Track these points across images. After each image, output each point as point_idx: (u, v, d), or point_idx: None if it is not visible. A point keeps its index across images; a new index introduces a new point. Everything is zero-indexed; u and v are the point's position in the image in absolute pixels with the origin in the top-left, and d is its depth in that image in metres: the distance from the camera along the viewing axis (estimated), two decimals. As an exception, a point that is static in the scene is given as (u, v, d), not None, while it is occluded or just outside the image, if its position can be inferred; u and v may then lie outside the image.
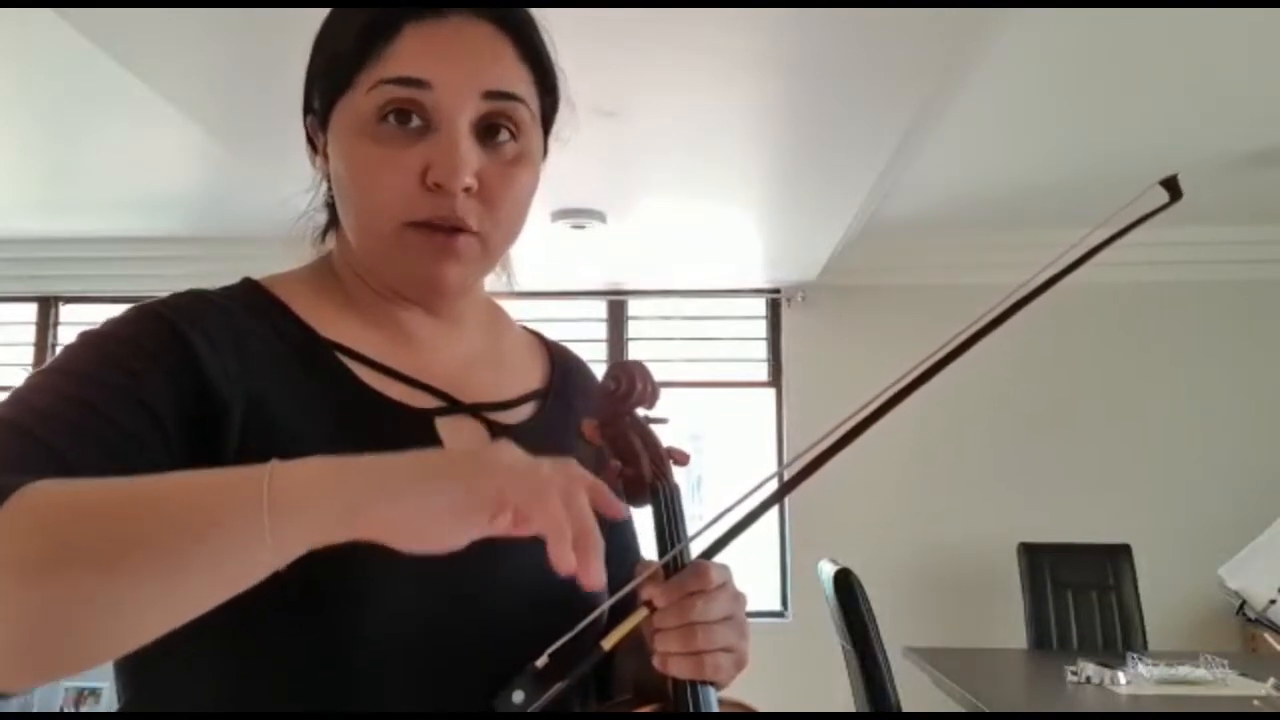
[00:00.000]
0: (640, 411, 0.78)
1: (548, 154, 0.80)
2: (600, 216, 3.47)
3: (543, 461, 0.53)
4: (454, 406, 0.76)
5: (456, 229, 0.70)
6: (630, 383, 0.78)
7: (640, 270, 4.40)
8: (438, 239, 0.70)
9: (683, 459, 0.76)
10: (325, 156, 0.76)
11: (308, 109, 0.78)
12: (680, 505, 0.74)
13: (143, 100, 2.59)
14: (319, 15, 0.77)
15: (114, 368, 0.63)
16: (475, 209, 0.71)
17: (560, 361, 0.90)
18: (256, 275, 0.80)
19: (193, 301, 0.70)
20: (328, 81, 0.73)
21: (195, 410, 0.64)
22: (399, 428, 0.72)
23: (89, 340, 0.66)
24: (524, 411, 0.81)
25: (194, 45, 2.27)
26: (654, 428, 0.78)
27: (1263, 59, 2.74)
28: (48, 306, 4.75)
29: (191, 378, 0.65)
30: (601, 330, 4.67)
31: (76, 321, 4.77)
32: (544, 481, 0.51)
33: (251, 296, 0.74)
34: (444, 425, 0.74)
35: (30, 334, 4.73)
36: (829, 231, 3.79)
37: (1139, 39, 2.63)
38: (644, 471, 0.75)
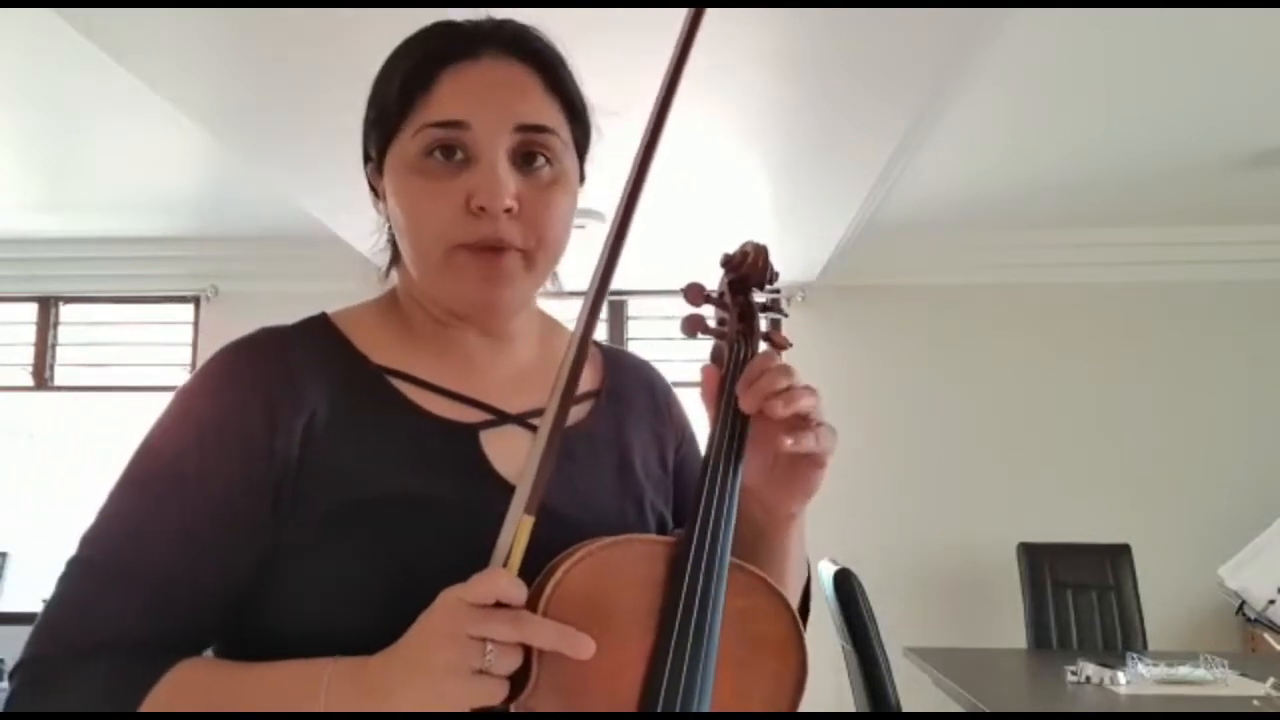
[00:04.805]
0: (750, 286, 0.85)
1: (585, 178, 0.86)
2: (600, 216, 3.47)
3: (431, 639, 0.63)
4: (499, 418, 0.81)
5: (502, 248, 0.76)
6: (743, 256, 0.84)
7: (640, 270, 4.40)
8: (485, 260, 0.76)
9: (781, 342, 0.83)
10: (384, 200, 0.83)
11: (366, 159, 0.85)
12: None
13: (143, 100, 2.59)
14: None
15: (213, 525, 0.73)
16: (518, 230, 0.76)
17: (614, 363, 0.95)
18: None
19: (254, 363, 0.77)
20: (379, 132, 0.80)
21: (266, 490, 0.73)
22: (444, 442, 0.78)
23: (176, 474, 0.73)
24: (576, 414, 0.86)
25: (194, 45, 2.27)
26: (760, 306, 0.85)
27: (1263, 59, 2.74)
28: (48, 306, 4.75)
29: (260, 472, 0.73)
30: (602, 330, 4.67)
31: (76, 321, 4.77)
32: (441, 675, 0.62)
33: (318, 333, 0.82)
34: (489, 437, 0.80)
35: (30, 334, 4.73)
36: (829, 232, 3.79)
37: (1138, 39, 2.63)
38: (730, 331, 0.82)
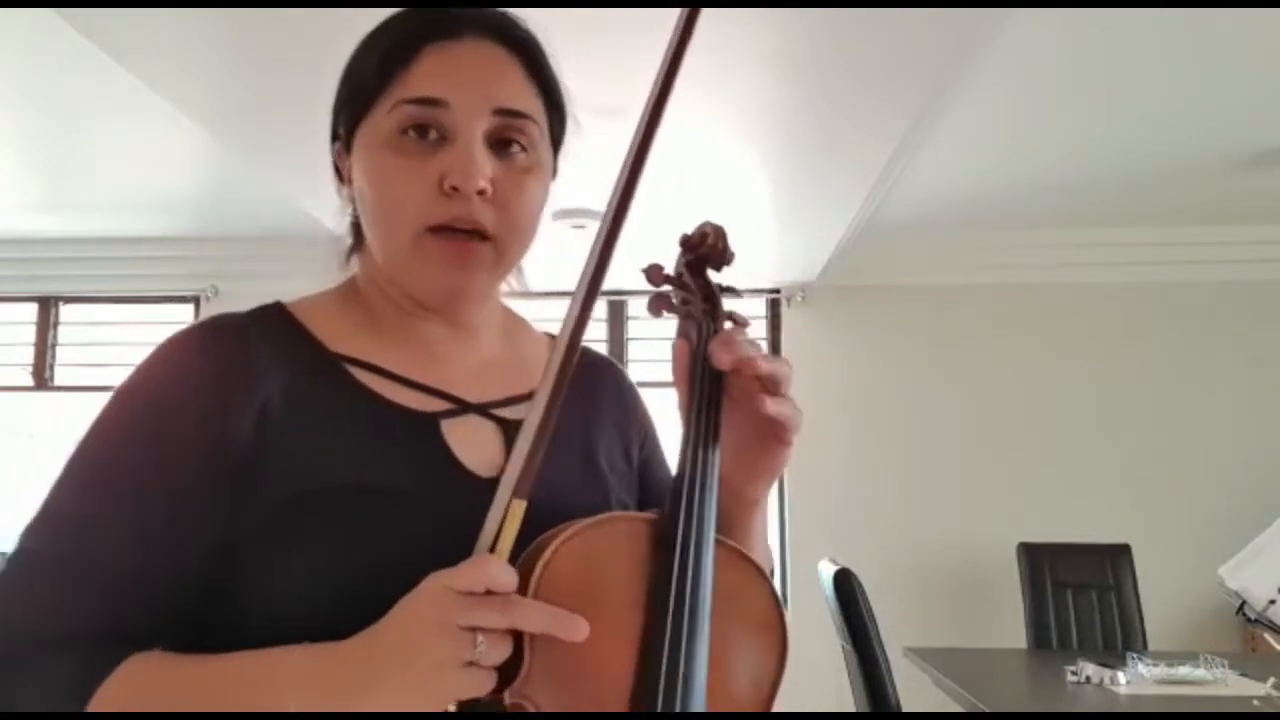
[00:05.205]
0: (708, 266, 0.85)
1: (558, 172, 0.84)
2: (600, 216, 3.48)
3: (415, 625, 0.61)
4: (461, 408, 0.80)
5: (473, 232, 0.75)
6: (701, 236, 0.85)
7: (640, 270, 4.40)
8: (455, 245, 0.75)
9: (741, 320, 0.82)
10: (349, 182, 0.81)
11: (334, 137, 0.83)
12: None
13: (143, 100, 2.59)
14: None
15: (158, 510, 0.70)
16: (490, 213, 0.75)
17: (579, 359, 0.92)
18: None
19: (206, 350, 0.75)
20: (352, 107, 0.78)
21: (221, 479, 0.71)
22: (403, 431, 0.76)
23: (125, 466, 0.71)
24: None
25: (194, 45, 2.27)
26: (718, 287, 0.84)
27: (1263, 59, 2.74)
28: (48, 306, 4.75)
29: (214, 460, 0.71)
30: (602, 330, 4.67)
31: (76, 321, 4.77)
32: (430, 668, 0.60)
33: (273, 320, 0.79)
34: (450, 426, 0.78)
35: (30, 334, 4.74)
36: (829, 232, 3.79)
37: (1138, 40, 2.63)
38: (694, 311, 0.82)
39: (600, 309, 4.68)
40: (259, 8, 2.02)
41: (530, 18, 0.82)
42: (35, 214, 4.18)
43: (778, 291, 4.61)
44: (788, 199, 3.49)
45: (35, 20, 2.41)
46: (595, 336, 4.63)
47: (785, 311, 4.60)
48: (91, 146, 3.41)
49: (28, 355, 4.72)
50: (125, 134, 3.25)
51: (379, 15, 0.80)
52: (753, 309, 4.69)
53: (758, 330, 4.67)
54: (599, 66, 2.28)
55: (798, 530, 4.41)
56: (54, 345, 4.74)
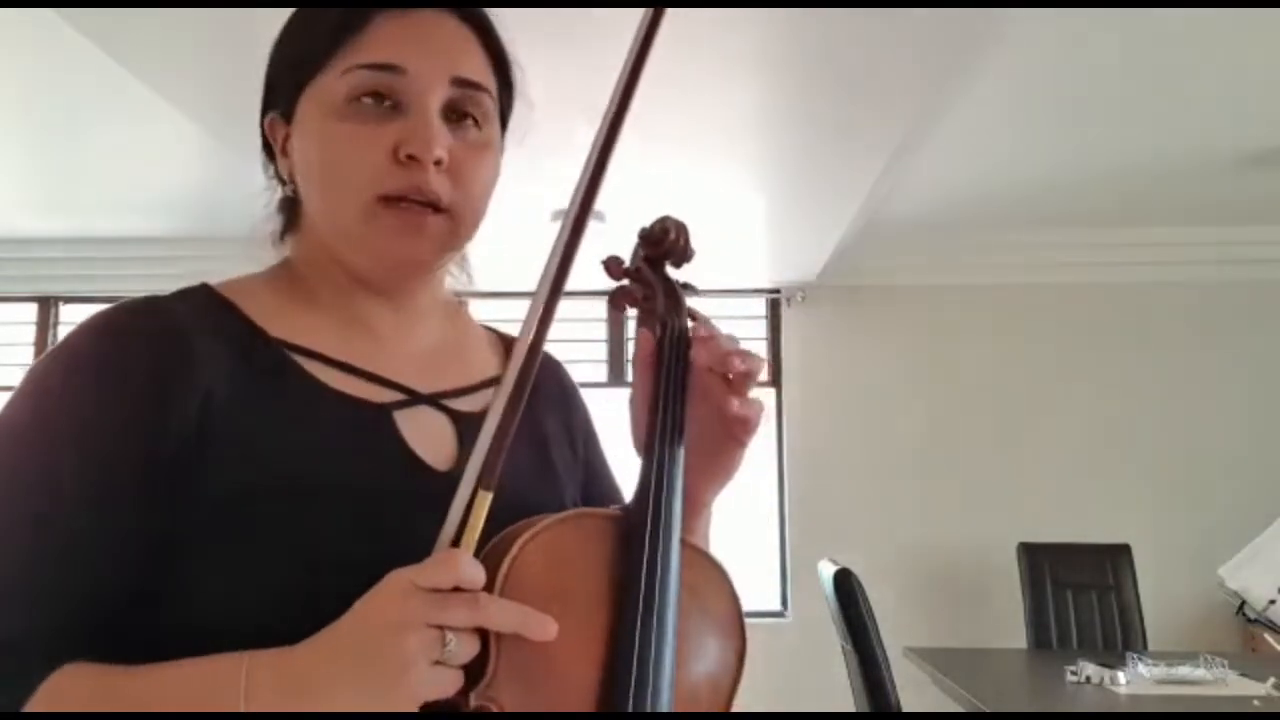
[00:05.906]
0: (667, 262, 0.84)
1: (503, 150, 0.82)
2: (600, 216, 3.47)
3: (380, 626, 0.58)
4: (413, 399, 0.77)
5: (428, 204, 0.72)
6: (664, 231, 0.83)
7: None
8: (409, 215, 0.72)
9: (701, 318, 0.81)
10: (284, 154, 0.78)
11: (268, 108, 0.79)
12: (684, 345, 0.78)
13: (143, 100, 2.59)
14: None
15: (82, 503, 0.65)
16: (446, 184, 0.72)
17: None
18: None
19: (135, 336, 0.69)
20: (297, 72, 0.74)
21: (158, 476, 0.66)
22: (357, 423, 0.73)
23: (51, 453, 0.65)
24: (483, 398, 0.81)
25: (193, 45, 2.27)
26: (678, 283, 0.83)
27: (1263, 59, 2.74)
28: (48, 306, 4.75)
29: (146, 451, 0.66)
30: (602, 330, 4.67)
31: (76, 321, 4.76)
32: (396, 668, 0.57)
33: (204, 303, 0.75)
34: (403, 418, 0.75)
35: (30, 334, 4.73)
36: (829, 231, 3.79)
37: (1139, 40, 2.63)
38: (657, 306, 0.81)
39: (600, 309, 4.68)
40: (259, 8, 2.02)
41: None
42: (35, 214, 4.18)
43: (777, 291, 4.61)
44: (788, 199, 3.49)
45: (35, 20, 2.41)
46: (595, 336, 4.63)
47: (785, 311, 4.60)
48: (91, 146, 3.41)
49: (28, 355, 4.72)
50: (125, 134, 3.25)
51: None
52: (753, 309, 4.70)
53: (758, 330, 4.67)
54: (597, 65, 2.28)
55: (798, 530, 4.41)
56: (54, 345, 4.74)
